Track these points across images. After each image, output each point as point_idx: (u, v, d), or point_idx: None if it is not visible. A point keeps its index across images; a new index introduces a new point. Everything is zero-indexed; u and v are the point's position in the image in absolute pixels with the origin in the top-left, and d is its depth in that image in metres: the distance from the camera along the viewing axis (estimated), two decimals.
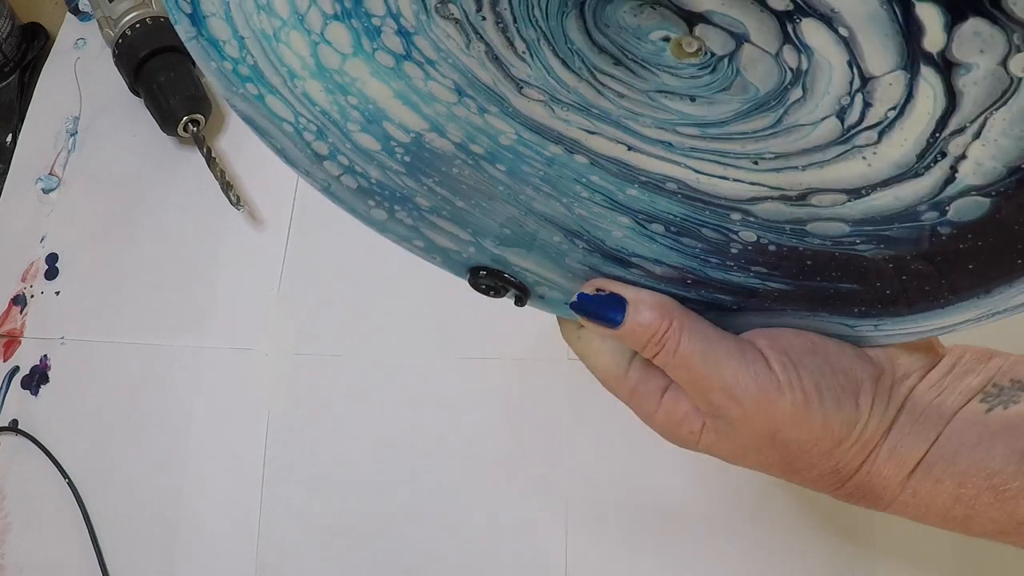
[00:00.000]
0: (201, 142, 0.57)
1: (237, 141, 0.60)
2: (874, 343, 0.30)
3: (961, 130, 0.24)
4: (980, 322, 0.28)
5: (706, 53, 0.24)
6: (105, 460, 0.51)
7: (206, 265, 0.56)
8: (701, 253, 0.30)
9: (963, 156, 0.24)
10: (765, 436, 0.29)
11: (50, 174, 0.61)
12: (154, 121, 0.58)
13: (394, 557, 0.47)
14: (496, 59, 0.26)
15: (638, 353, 0.31)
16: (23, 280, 0.57)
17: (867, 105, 0.24)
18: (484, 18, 0.25)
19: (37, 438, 0.52)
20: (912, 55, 0.22)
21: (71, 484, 0.51)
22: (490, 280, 0.33)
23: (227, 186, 0.55)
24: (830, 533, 0.45)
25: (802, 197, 0.27)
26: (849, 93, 0.24)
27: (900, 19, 0.22)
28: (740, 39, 0.23)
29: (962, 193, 0.25)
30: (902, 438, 0.28)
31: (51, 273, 0.57)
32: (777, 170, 0.26)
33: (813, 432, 0.28)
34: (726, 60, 0.24)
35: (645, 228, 0.30)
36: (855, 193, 0.26)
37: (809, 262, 0.29)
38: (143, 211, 0.58)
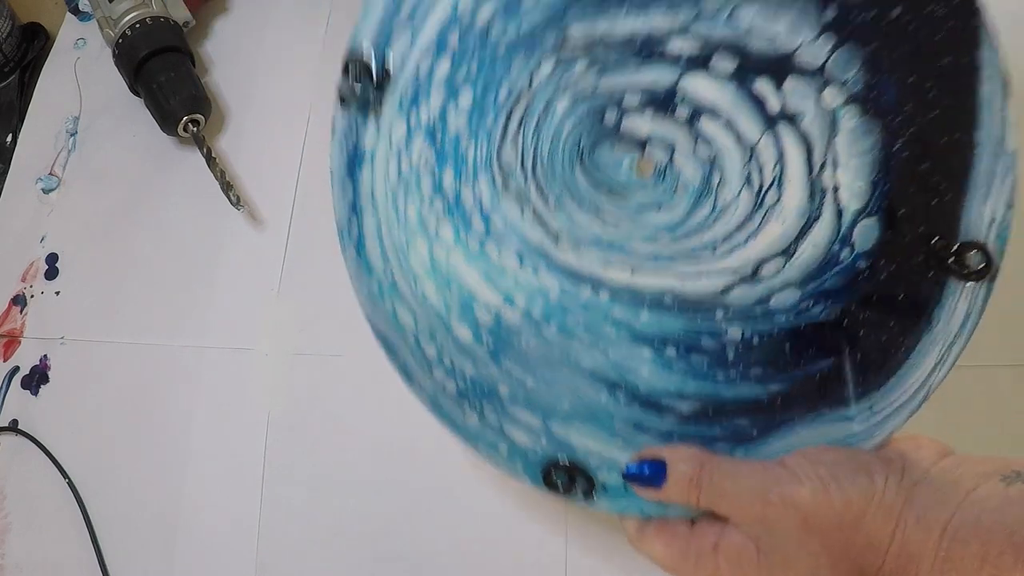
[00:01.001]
0: (201, 142, 0.57)
1: (237, 141, 0.60)
2: (880, 435, 0.34)
3: (823, 165, 0.33)
4: (946, 361, 0.33)
5: (656, 166, 0.36)
6: (105, 460, 0.51)
7: (206, 265, 0.56)
8: (709, 370, 0.36)
9: (836, 187, 0.33)
10: (799, 526, 0.31)
11: (50, 174, 0.61)
12: (154, 121, 0.58)
13: (394, 557, 0.47)
14: (539, 218, 0.38)
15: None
16: (23, 280, 0.57)
17: (760, 168, 0.35)
18: (528, 186, 0.38)
19: (37, 438, 0.52)
20: (768, 119, 0.34)
21: (71, 484, 0.51)
22: (562, 475, 0.37)
23: (227, 186, 0.55)
24: None
25: (755, 272, 0.35)
26: (746, 162, 0.35)
27: (749, 96, 0.34)
28: (671, 148, 0.36)
29: (854, 220, 0.33)
30: (925, 505, 0.30)
31: (51, 273, 0.57)
32: (729, 252, 0.36)
33: (835, 508, 0.31)
34: (667, 167, 0.36)
35: (662, 355, 0.37)
36: (787, 253, 0.35)
37: (787, 345, 0.35)
38: (143, 211, 0.58)
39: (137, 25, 0.58)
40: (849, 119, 0.34)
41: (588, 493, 0.37)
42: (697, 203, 0.36)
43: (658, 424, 0.37)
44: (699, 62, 0.35)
